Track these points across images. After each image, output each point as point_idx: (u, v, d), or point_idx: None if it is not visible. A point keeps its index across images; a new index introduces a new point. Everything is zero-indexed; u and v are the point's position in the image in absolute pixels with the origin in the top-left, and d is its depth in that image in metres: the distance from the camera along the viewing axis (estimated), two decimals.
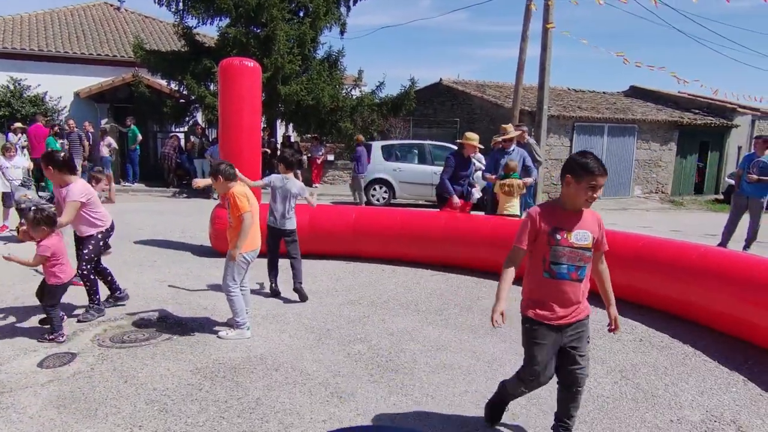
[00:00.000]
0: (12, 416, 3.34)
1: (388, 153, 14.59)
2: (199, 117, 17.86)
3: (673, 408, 3.77)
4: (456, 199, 7.63)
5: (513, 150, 8.03)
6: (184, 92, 16.91)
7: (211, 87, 15.85)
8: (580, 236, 2.97)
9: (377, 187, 14.27)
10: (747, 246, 8.65)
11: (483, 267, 6.99)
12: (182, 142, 17.92)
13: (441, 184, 7.83)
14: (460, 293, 6.35)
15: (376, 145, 14.83)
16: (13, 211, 8.81)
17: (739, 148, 21.17)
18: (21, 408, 3.44)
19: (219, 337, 4.68)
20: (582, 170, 2.91)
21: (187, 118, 18.06)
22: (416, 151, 14.96)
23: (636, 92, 23.77)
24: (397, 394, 3.80)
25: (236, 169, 4.81)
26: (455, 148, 14.13)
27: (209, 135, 17.44)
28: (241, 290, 4.80)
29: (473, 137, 7.70)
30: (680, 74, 16.04)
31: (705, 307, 5.20)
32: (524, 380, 3.15)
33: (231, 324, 4.85)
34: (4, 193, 8.78)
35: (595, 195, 2.92)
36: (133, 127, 16.24)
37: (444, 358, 4.47)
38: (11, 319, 5.02)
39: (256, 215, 4.79)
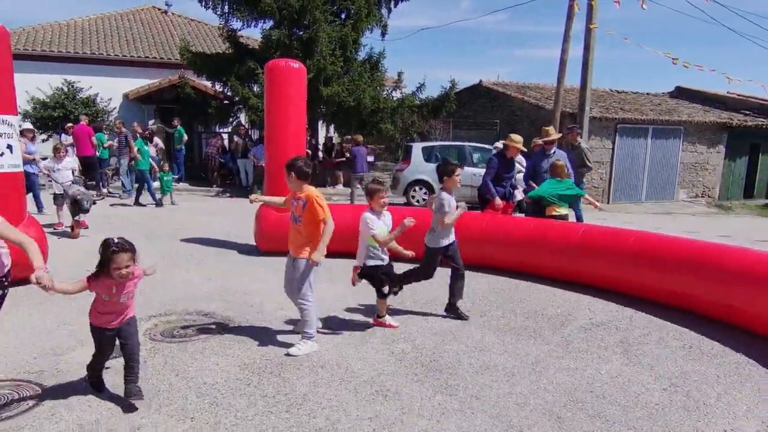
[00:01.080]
0: (73, 404, 3.50)
1: (429, 154, 14.59)
2: (243, 118, 18.22)
3: (726, 418, 3.67)
4: (498, 201, 7.59)
5: (554, 152, 7.97)
6: (228, 93, 17.27)
7: (255, 88, 16.14)
8: None
9: (417, 188, 14.28)
10: None
11: (523, 269, 6.94)
12: (226, 142, 18.31)
13: (483, 186, 7.80)
14: (503, 295, 6.31)
15: (417, 147, 14.85)
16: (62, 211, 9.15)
17: None
18: (81, 396, 3.59)
19: (290, 354, 4.36)
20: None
21: (231, 119, 18.44)
22: (456, 153, 14.90)
23: (682, 93, 23.12)
24: (441, 394, 3.81)
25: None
26: (493, 149, 14.16)
27: (252, 135, 17.77)
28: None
29: (517, 139, 7.64)
30: (730, 74, 15.47)
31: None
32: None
33: (299, 332, 4.65)
34: (55, 195, 9.19)
35: None
36: (179, 127, 16.67)
37: (487, 359, 4.46)
38: (71, 312, 5.22)
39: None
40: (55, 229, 8.98)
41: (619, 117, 17.57)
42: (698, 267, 5.52)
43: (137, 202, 12.39)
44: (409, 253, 4.99)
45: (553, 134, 8.13)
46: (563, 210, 7.32)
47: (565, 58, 15.64)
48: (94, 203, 8.97)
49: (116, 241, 3.30)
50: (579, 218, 9.75)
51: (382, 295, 5.03)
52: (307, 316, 4.50)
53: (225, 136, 18.70)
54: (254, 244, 8.08)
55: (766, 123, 19.55)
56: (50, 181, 9.27)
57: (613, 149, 17.55)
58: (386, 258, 4.94)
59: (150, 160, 12.68)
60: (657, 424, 3.54)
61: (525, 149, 7.81)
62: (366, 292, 6.16)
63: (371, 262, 4.90)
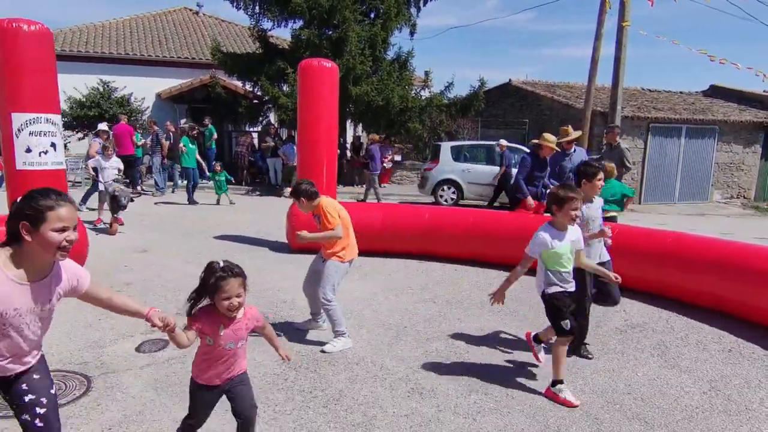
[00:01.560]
0: (117, 395, 3.59)
1: (458, 153, 14.54)
2: (272, 117, 18.40)
3: (764, 421, 3.60)
4: (530, 200, 7.54)
5: (574, 151, 7.83)
6: (258, 93, 17.46)
7: (284, 87, 16.30)
8: None
9: (446, 187, 14.24)
10: None
11: None
12: (255, 141, 18.52)
13: (516, 185, 7.75)
14: (534, 295, 6.25)
15: (446, 146, 14.80)
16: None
17: None
18: (124, 388, 3.69)
19: (324, 351, 4.42)
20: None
21: (260, 118, 18.64)
22: (485, 152, 14.82)
23: (716, 92, 22.58)
24: (477, 392, 3.81)
25: (315, 187, 4.61)
26: (525, 149, 14.06)
27: (281, 134, 17.93)
28: None
29: (551, 138, 7.57)
30: (767, 72, 15.00)
31: None
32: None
33: (308, 329, 4.87)
34: (99, 192, 9.43)
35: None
36: (210, 126, 16.89)
37: (522, 358, 4.44)
38: None
39: (348, 225, 4.68)
40: (94, 225, 9.18)
41: (652, 116, 17.25)
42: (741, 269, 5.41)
43: (192, 201, 12.53)
44: (615, 276, 4.17)
45: (573, 133, 7.97)
46: (612, 212, 7.14)
47: (597, 56, 15.42)
48: (132, 200, 9.16)
49: (222, 264, 2.60)
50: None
51: (561, 332, 3.82)
52: (333, 315, 4.51)
53: (254, 135, 18.92)
54: (285, 241, 8.16)
55: None
56: (97, 179, 9.47)
57: (645, 149, 17.25)
58: (572, 283, 3.91)
59: (197, 157, 12.93)
60: (698, 428, 3.49)
61: (558, 149, 7.72)
62: (398, 290, 6.20)
63: (552, 289, 3.85)
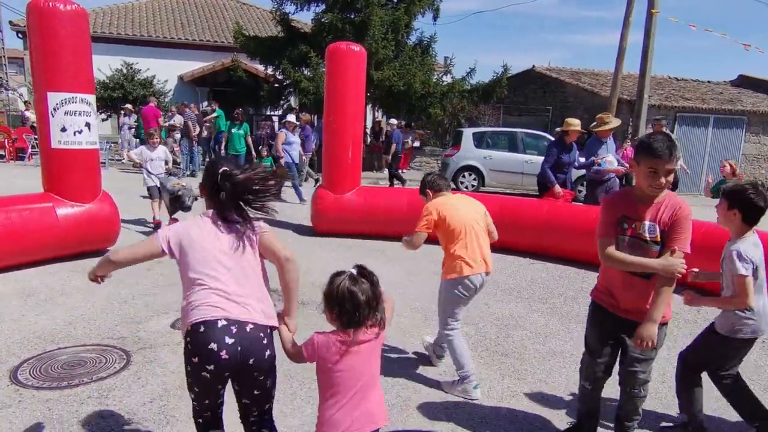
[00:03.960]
0: (156, 370, 3.66)
1: (479, 140, 14.45)
2: (293, 100, 18.41)
3: None
4: (558, 188, 7.48)
5: (608, 141, 7.68)
6: (279, 76, 17.47)
7: (306, 71, 16.29)
8: (649, 228, 2.63)
9: (466, 174, 14.19)
10: None
11: (582, 258, 6.84)
12: (276, 125, 18.55)
13: (542, 173, 7.68)
14: (563, 283, 6.25)
15: (467, 132, 14.72)
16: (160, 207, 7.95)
17: None
18: (162, 363, 3.76)
19: (443, 390, 3.63)
20: (643, 152, 2.59)
21: (282, 102, 18.67)
22: (507, 139, 14.72)
23: (745, 82, 22.13)
24: (510, 378, 3.83)
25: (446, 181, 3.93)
26: (548, 136, 13.94)
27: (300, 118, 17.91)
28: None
29: (575, 122, 7.49)
30: None
31: None
32: (581, 362, 3.02)
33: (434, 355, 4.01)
34: (149, 187, 7.77)
35: (660, 181, 2.56)
36: (217, 109, 16.35)
37: (553, 345, 4.44)
38: (144, 285, 5.44)
39: (457, 232, 3.57)
40: (152, 225, 7.83)
41: (679, 105, 17.00)
42: None
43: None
44: None
45: (613, 121, 7.74)
46: None
47: (624, 44, 15.18)
48: (196, 199, 7.26)
49: (355, 272, 2.13)
50: None
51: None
52: (449, 349, 3.64)
53: (275, 119, 18.95)
54: (309, 224, 8.21)
55: None
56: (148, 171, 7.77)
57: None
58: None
59: (247, 141, 12.50)
60: (731, 417, 3.47)
61: (580, 129, 7.60)
62: (424, 274, 6.22)
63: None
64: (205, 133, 14.70)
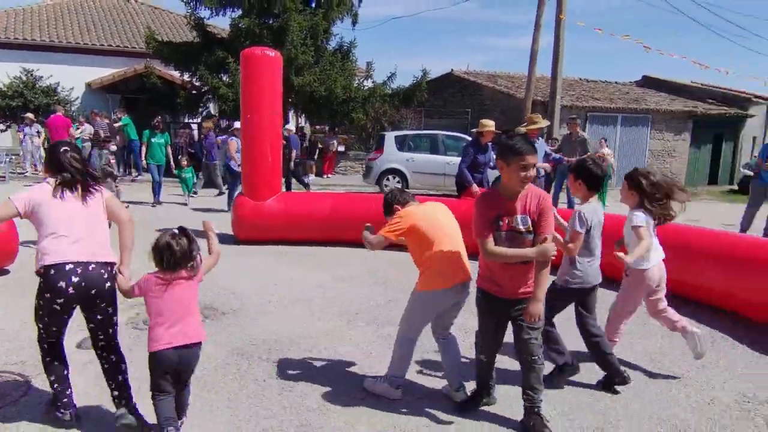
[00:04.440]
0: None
1: (402, 143, 14.60)
2: (212, 107, 17.91)
3: (705, 390, 3.80)
4: (475, 188, 7.64)
5: (538, 141, 8.01)
6: (197, 83, 16.96)
7: (224, 77, 15.90)
8: (522, 220, 3.00)
9: (390, 177, 14.29)
10: (766, 234, 8.64)
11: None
12: (195, 133, 17.98)
13: (460, 173, 7.85)
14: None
15: (389, 136, 14.84)
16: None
17: (754, 138, 21.03)
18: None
19: (365, 387, 3.59)
20: (511, 153, 2.93)
21: (200, 109, 18.12)
22: (429, 142, 14.96)
23: (648, 82, 23.63)
24: (429, 375, 3.85)
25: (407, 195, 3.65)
26: (468, 138, 14.27)
27: (221, 125, 17.48)
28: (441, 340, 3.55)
29: (489, 123, 7.72)
30: (689, 62, 15.83)
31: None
32: (476, 339, 3.38)
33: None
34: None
35: (529, 174, 2.93)
36: (123, 117, 15.48)
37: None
38: None
39: (429, 240, 3.30)
40: None
41: (590, 105, 17.90)
42: None
43: (158, 202, 11.30)
44: None
45: (541, 122, 8.13)
46: None
47: (536, 47, 15.82)
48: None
49: (177, 231, 2.87)
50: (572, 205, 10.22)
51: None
52: (399, 345, 3.50)
53: (194, 126, 18.38)
54: (230, 233, 7.97)
55: (728, 111, 20.14)
56: None
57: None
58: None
59: (167, 150, 11.56)
60: (639, 398, 3.65)
61: (494, 130, 7.83)
62: (348, 278, 6.17)
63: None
64: (114, 145, 13.87)
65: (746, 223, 8.93)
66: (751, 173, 10.12)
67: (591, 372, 3.85)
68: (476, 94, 20.04)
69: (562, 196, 11.72)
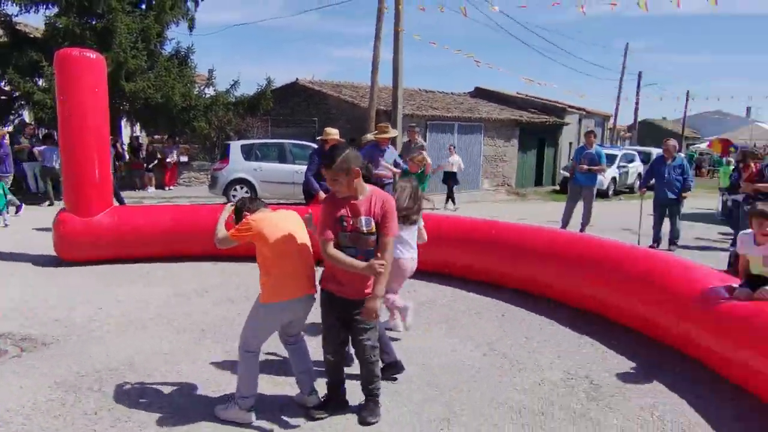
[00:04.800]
0: None
1: (248, 152, 14.22)
2: (27, 115, 16.04)
3: (536, 371, 4.15)
4: (322, 195, 7.66)
5: (388, 149, 8.35)
6: (6, 87, 15.08)
7: (40, 82, 14.33)
8: (366, 222, 3.12)
9: (238, 187, 13.83)
10: (582, 229, 9.72)
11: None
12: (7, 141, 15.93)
13: (306, 181, 7.83)
14: None
15: (235, 145, 14.38)
16: None
17: (570, 143, 23.68)
18: None
19: (216, 415, 3.33)
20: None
21: (12, 117, 16.13)
22: (277, 151, 14.75)
23: (480, 93, 25.57)
24: (281, 386, 3.75)
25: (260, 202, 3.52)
26: (315, 146, 14.30)
27: (39, 134, 15.70)
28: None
29: (333, 132, 7.85)
30: (518, 77, 17.54)
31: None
32: (323, 339, 3.39)
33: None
34: None
35: (335, 186, 3.10)
36: None
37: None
38: None
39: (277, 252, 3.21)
40: None
41: (429, 114, 18.89)
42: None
43: None
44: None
45: (391, 132, 8.53)
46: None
47: (378, 58, 16.32)
48: None
49: None
50: None
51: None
52: (244, 365, 3.32)
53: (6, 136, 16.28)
54: (53, 254, 7.15)
55: (548, 120, 22.50)
56: None
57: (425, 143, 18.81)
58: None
59: None
60: (479, 384, 3.89)
61: (338, 138, 7.97)
62: (192, 295, 5.84)
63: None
64: None
65: (566, 219, 9.98)
66: (568, 174, 11.34)
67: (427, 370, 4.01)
68: (322, 103, 20.20)
69: None
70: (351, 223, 3.10)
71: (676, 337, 4.44)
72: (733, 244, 7.35)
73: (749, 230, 4.22)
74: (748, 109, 51.66)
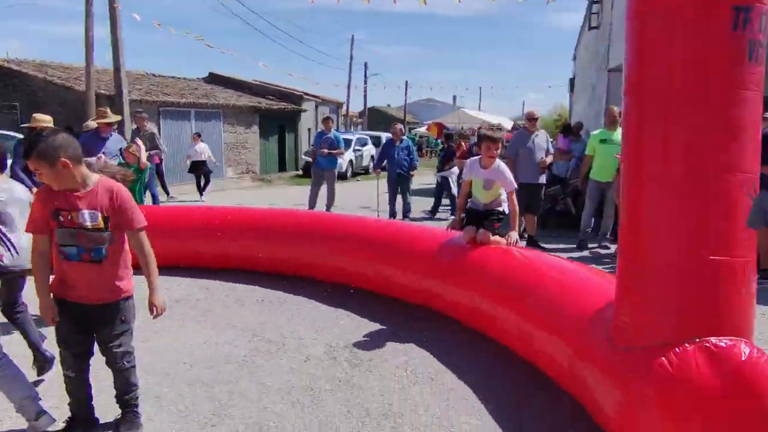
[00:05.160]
0: None
1: None
2: None
3: (300, 349, 4.24)
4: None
5: (111, 136, 7.69)
6: None
7: None
8: (90, 216, 2.73)
9: None
10: (328, 209, 10.19)
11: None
12: None
13: (14, 177, 6.77)
14: None
15: None
16: None
17: (309, 129, 24.52)
18: None
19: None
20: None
21: None
22: None
23: (215, 79, 24.73)
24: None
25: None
26: (20, 136, 12.25)
27: None
28: None
29: (45, 118, 7.05)
30: (253, 62, 17.44)
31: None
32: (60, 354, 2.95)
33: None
34: None
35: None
36: None
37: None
38: None
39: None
40: None
41: (161, 100, 17.60)
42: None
43: None
44: None
45: (111, 116, 7.87)
46: None
47: (91, 36, 14.55)
48: None
49: None
50: (155, 197, 10.44)
51: None
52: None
53: None
54: None
55: (287, 107, 22.89)
56: None
57: (159, 131, 17.45)
58: None
59: None
60: (247, 372, 3.82)
61: (51, 126, 7.07)
62: None
63: None
64: None
65: (312, 201, 10.38)
66: (310, 159, 11.78)
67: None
68: (24, 86, 17.23)
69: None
70: (69, 218, 2.70)
71: (422, 293, 4.97)
72: (453, 212, 8.52)
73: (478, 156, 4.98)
74: (454, 98, 59.94)
